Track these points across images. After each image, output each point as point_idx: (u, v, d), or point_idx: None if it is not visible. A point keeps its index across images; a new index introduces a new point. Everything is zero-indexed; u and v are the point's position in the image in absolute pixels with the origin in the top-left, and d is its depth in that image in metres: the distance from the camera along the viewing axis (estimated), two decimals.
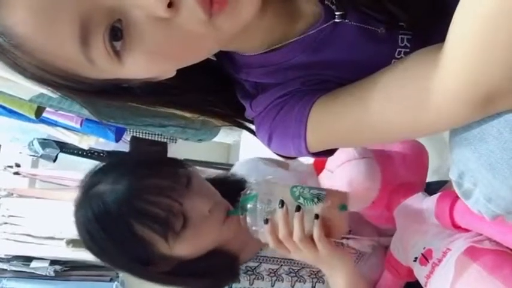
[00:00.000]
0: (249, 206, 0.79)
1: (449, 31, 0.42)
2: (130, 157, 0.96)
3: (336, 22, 0.56)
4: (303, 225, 0.76)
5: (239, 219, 0.83)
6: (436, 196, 0.79)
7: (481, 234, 0.71)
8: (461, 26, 0.40)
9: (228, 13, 0.44)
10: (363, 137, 0.56)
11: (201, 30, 0.44)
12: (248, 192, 0.81)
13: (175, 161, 0.93)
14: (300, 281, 1.00)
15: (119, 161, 1.05)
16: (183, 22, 0.43)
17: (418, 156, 0.91)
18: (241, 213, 0.81)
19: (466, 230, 0.72)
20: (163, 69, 0.50)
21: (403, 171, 0.90)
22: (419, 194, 0.84)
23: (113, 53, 0.44)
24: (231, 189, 0.96)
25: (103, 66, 0.45)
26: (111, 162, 0.94)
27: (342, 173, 0.89)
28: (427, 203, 0.80)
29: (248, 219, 0.80)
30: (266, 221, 0.77)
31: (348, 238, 0.95)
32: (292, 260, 0.98)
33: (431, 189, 0.91)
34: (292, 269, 1.00)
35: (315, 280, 1.00)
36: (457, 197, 0.72)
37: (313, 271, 1.00)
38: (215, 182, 0.94)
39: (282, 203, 0.76)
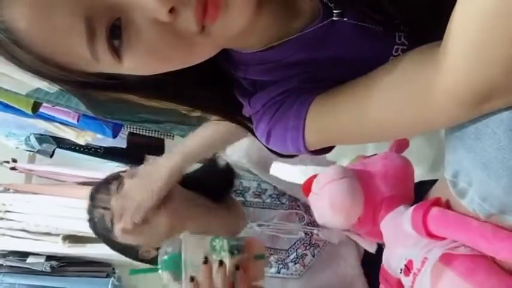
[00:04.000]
0: (173, 262, 0.79)
1: (447, 29, 0.42)
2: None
3: (334, 20, 0.56)
4: (226, 279, 0.78)
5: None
6: (412, 207, 0.81)
7: (456, 241, 0.72)
8: (459, 23, 0.40)
9: (222, 22, 0.44)
10: (361, 134, 0.56)
11: (194, 38, 0.45)
12: (170, 249, 0.81)
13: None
14: (266, 266, 1.05)
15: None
16: (179, 28, 0.44)
17: (400, 170, 0.93)
18: (163, 270, 0.80)
19: (443, 238, 0.74)
20: (159, 70, 0.50)
21: (385, 186, 0.92)
22: (401, 206, 0.86)
23: (112, 50, 0.44)
24: (215, 179, 1.07)
25: (105, 62, 0.46)
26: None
27: (323, 195, 0.92)
28: (405, 215, 0.82)
29: (170, 276, 0.80)
30: (192, 279, 0.78)
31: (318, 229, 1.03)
32: None
33: (424, 189, 0.92)
34: None
35: (280, 266, 1.07)
36: (430, 206, 0.74)
37: (280, 258, 1.07)
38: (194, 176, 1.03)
39: (206, 259, 0.78)
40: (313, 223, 1.10)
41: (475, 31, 0.39)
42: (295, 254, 1.08)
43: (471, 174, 0.49)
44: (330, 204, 0.89)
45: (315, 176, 0.96)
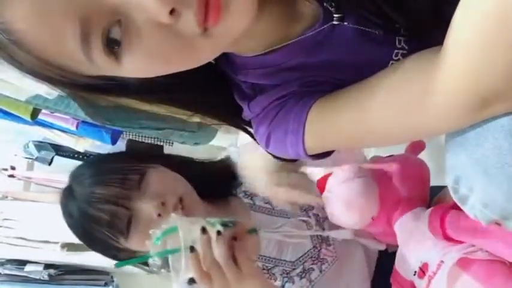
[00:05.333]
0: (169, 244, 0.75)
1: (448, 33, 0.42)
2: (96, 160, 1.01)
3: (334, 24, 0.56)
4: (226, 247, 0.75)
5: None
6: (429, 210, 0.80)
7: (473, 246, 0.71)
8: (460, 29, 0.40)
9: (223, 24, 0.44)
10: (361, 139, 0.56)
11: (196, 40, 0.44)
12: (164, 226, 0.77)
13: (136, 160, 0.97)
14: (271, 278, 1.01)
15: (90, 162, 1.13)
16: (180, 30, 0.43)
17: (416, 172, 0.93)
18: (157, 255, 0.76)
19: (460, 242, 0.73)
20: (159, 72, 0.50)
21: (401, 187, 0.92)
22: (418, 208, 0.85)
23: (110, 52, 0.44)
24: (217, 175, 1.03)
25: (101, 65, 0.45)
26: (88, 161, 1.07)
27: (339, 193, 0.91)
28: (422, 217, 0.81)
29: (163, 260, 0.76)
30: (192, 249, 0.75)
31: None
32: (267, 256, 1.01)
33: (433, 193, 0.92)
34: (266, 266, 1.02)
35: (285, 279, 1.02)
36: (448, 209, 0.73)
37: (286, 270, 1.02)
38: (196, 168, 1.00)
39: (204, 229, 0.76)
40: (322, 231, 1.06)
41: (476, 36, 0.39)
42: (301, 267, 1.03)
43: (472, 180, 0.49)
44: (344, 203, 0.89)
45: (329, 174, 0.95)
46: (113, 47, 0.44)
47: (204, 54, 0.49)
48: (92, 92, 0.54)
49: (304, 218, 1.06)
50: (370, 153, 1.14)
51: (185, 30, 0.43)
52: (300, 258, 1.03)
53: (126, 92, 0.56)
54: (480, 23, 0.38)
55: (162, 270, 0.77)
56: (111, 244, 0.92)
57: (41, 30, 0.42)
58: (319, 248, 1.05)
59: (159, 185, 0.92)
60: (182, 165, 1.02)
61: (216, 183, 1.07)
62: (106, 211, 0.89)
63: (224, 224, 0.77)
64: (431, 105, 0.45)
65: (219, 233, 0.75)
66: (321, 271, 1.03)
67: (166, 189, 0.92)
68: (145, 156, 1.03)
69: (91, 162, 1.10)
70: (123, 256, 0.95)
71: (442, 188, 0.90)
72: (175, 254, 0.74)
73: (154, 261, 0.76)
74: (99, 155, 0.98)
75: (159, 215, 0.89)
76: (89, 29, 0.42)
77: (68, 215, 0.96)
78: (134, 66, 0.46)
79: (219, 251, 0.74)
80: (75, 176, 0.98)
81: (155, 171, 0.95)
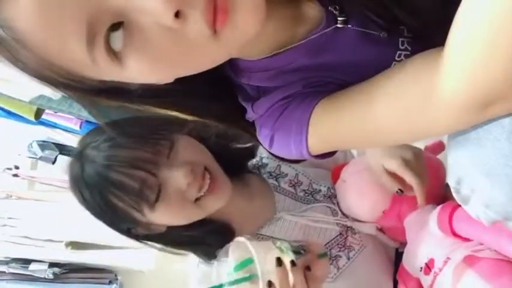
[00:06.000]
0: (246, 273, 0.75)
1: (450, 34, 0.42)
2: (121, 123, 0.88)
3: (338, 27, 0.56)
4: (302, 279, 0.75)
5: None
6: (439, 207, 0.80)
7: (481, 244, 0.71)
8: (462, 29, 0.40)
9: (232, 26, 0.43)
10: (363, 139, 0.56)
11: (206, 43, 0.43)
12: (237, 254, 0.77)
13: (163, 127, 0.89)
14: None
15: (112, 125, 0.97)
16: (188, 32, 0.42)
17: (434, 170, 0.92)
18: (232, 282, 0.76)
19: (468, 239, 0.73)
20: (165, 76, 0.49)
21: None
22: (429, 205, 0.85)
23: (114, 55, 0.43)
24: (235, 155, 0.98)
25: (105, 67, 0.44)
26: (108, 124, 0.90)
27: (353, 183, 0.90)
28: (432, 214, 0.81)
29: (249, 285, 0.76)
30: (270, 284, 0.74)
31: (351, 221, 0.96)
32: (292, 241, 0.98)
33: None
34: None
35: None
36: (456, 206, 0.73)
37: None
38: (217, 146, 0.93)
39: (279, 260, 0.75)
40: (347, 218, 1.02)
41: (478, 36, 0.39)
42: (329, 253, 0.99)
43: (474, 181, 0.49)
44: (357, 193, 0.88)
45: (344, 164, 0.94)
46: (114, 49, 0.43)
47: (213, 59, 0.48)
48: (94, 96, 0.53)
49: (329, 205, 1.03)
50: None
51: (193, 32, 0.42)
52: (326, 244, 1.01)
53: (129, 98, 0.55)
54: (481, 24, 0.38)
55: None
56: (131, 215, 0.83)
57: (45, 30, 0.41)
58: (345, 236, 1.02)
59: (187, 153, 0.87)
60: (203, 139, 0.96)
61: (235, 158, 1.02)
62: (134, 176, 0.81)
63: (296, 251, 0.76)
64: (433, 106, 0.44)
65: (293, 263, 0.74)
66: (348, 258, 1.01)
67: (193, 157, 0.87)
68: (170, 124, 0.91)
69: (103, 128, 0.95)
70: (138, 231, 0.89)
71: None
72: (246, 283, 0.74)
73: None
74: (113, 120, 0.83)
75: (189, 184, 0.84)
76: (94, 30, 0.41)
77: (79, 179, 0.85)
78: (138, 69, 0.45)
79: (297, 283, 0.74)
80: (85, 142, 0.88)
81: (183, 138, 0.89)
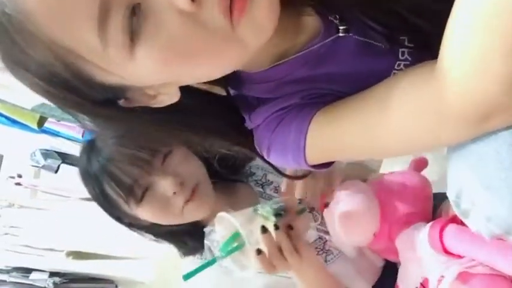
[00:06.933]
0: (235, 244, 0.80)
1: (442, 47, 0.41)
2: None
3: (339, 36, 0.56)
4: (288, 240, 0.80)
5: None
6: (429, 224, 0.80)
7: (474, 260, 0.71)
8: (453, 41, 0.39)
9: (250, 19, 0.42)
10: (362, 150, 0.55)
11: (222, 37, 0.42)
12: (223, 232, 0.81)
13: (168, 137, 0.94)
14: None
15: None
16: (204, 19, 0.41)
17: (419, 188, 0.92)
18: (224, 255, 0.81)
19: (460, 256, 0.72)
20: (173, 74, 0.47)
21: (403, 203, 0.91)
22: (418, 223, 0.85)
23: (125, 41, 0.41)
24: (232, 164, 1.05)
25: (114, 55, 0.42)
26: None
27: (340, 209, 0.90)
28: (423, 232, 0.81)
29: (236, 258, 0.81)
30: (259, 252, 0.79)
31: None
32: None
33: (435, 203, 0.91)
34: None
35: None
36: (447, 223, 0.73)
37: None
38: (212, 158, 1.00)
39: (264, 228, 0.80)
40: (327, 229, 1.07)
41: (469, 48, 0.38)
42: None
43: (474, 194, 0.48)
44: (346, 217, 0.88)
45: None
46: (129, 34, 0.41)
47: (229, 58, 0.46)
48: (92, 108, 0.50)
49: (311, 211, 1.07)
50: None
51: (209, 20, 0.41)
52: None
53: (134, 119, 0.54)
54: (472, 34, 0.37)
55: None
56: (120, 206, 0.94)
57: (53, 7, 0.40)
58: (324, 240, 1.06)
59: (181, 166, 0.95)
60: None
61: (229, 168, 1.08)
62: (128, 173, 0.90)
63: (277, 214, 0.81)
64: (430, 118, 0.44)
65: (276, 227, 0.80)
66: (326, 261, 1.04)
67: (186, 171, 0.95)
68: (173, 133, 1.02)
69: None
70: (126, 221, 0.98)
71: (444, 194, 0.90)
72: (240, 252, 0.80)
73: (222, 261, 0.81)
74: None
75: (174, 193, 0.92)
76: (108, 11, 0.40)
77: (85, 166, 0.95)
78: (148, 61, 0.43)
79: (283, 246, 0.80)
80: (99, 134, 0.98)
81: (182, 151, 0.96)
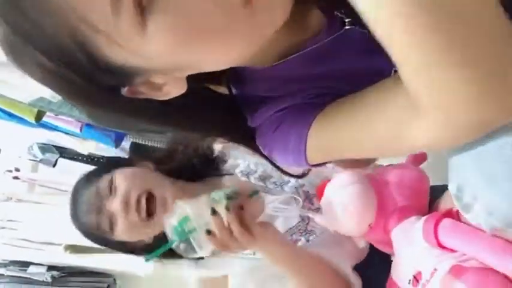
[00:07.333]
0: (186, 228, 0.84)
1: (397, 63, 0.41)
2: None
3: (342, 33, 0.56)
4: (237, 220, 0.84)
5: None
6: (424, 218, 0.80)
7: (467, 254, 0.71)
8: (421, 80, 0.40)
9: (267, 5, 0.41)
10: (361, 151, 0.56)
11: (238, 14, 0.41)
12: (175, 218, 0.85)
13: (104, 168, 1.10)
14: None
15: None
16: None
17: (416, 182, 0.93)
18: (180, 239, 0.84)
19: (453, 250, 0.73)
20: (184, 56, 0.45)
21: (399, 196, 0.92)
22: (413, 217, 0.86)
23: (139, 13, 0.40)
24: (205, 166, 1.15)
25: (126, 29, 0.41)
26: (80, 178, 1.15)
27: (337, 199, 0.91)
28: (417, 225, 0.82)
29: (184, 246, 0.85)
30: (209, 232, 0.84)
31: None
32: None
33: (433, 196, 0.92)
34: None
35: None
36: (441, 217, 0.73)
37: None
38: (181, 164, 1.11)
39: (214, 210, 0.84)
40: (311, 205, 1.14)
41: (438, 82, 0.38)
42: (290, 238, 1.10)
43: (476, 188, 0.49)
44: (343, 208, 0.89)
45: (328, 181, 0.96)
46: (141, 6, 0.39)
47: (242, 35, 0.44)
48: (94, 96, 0.50)
49: (295, 195, 1.15)
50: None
51: None
52: (288, 230, 1.12)
53: (136, 115, 0.55)
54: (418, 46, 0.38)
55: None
56: (107, 238, 1.05)
57: None
58: (307, 221, 1.12)
59: (123, 185, 1.03)
60: (162, 159, 1.15)
61: (196, 167, 1.17)
62: (92, 220, 1.04)
63: (230, 197, 0.85)
64: (428, 121, 0.43)
65: (227, 209, 0.83)
66: (307, 241, 1.10)
67: (128, 187, 1.03)
68: (112, 162, 1.18)
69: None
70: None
71: (443, 187, 0.90)
72: (194, 233, 0.84)
73: (179, 246, 0.85)
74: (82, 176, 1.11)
75: (124, 211, 1.01)
76: None
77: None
78: (160, 33, 0.41)
79: (232, 226, 0.83)
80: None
81: (118, 173, 1.05)
